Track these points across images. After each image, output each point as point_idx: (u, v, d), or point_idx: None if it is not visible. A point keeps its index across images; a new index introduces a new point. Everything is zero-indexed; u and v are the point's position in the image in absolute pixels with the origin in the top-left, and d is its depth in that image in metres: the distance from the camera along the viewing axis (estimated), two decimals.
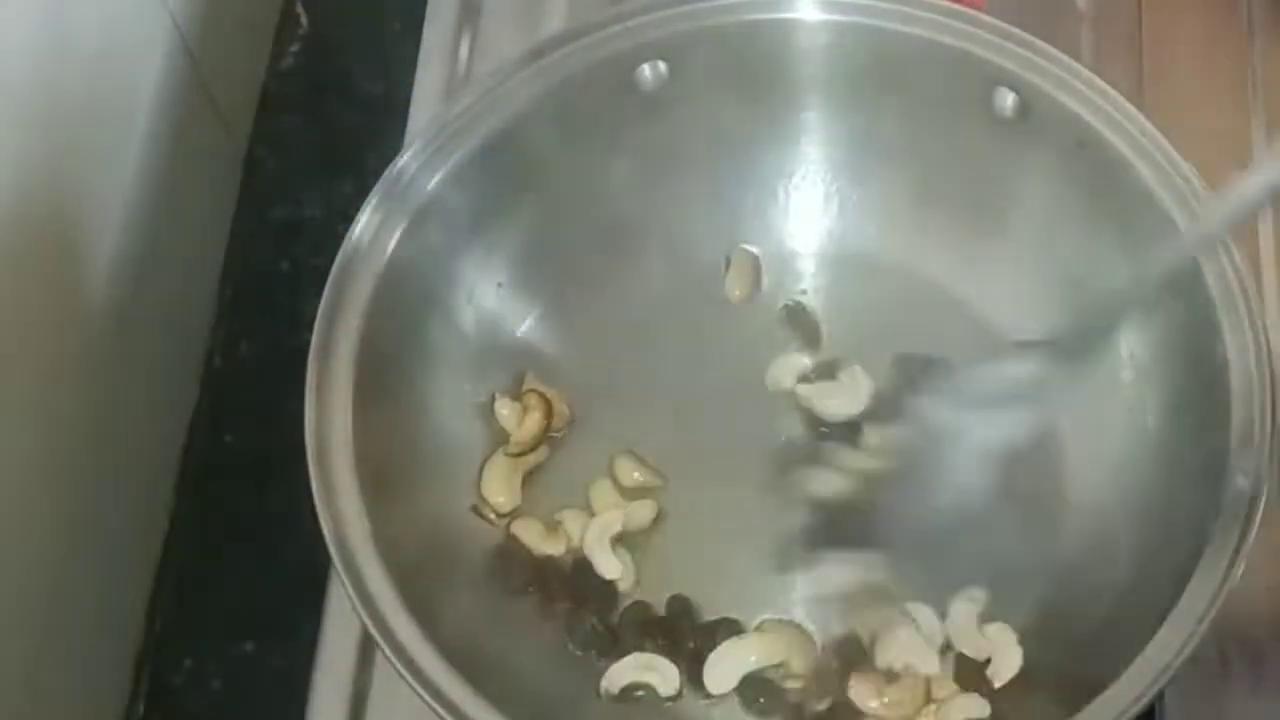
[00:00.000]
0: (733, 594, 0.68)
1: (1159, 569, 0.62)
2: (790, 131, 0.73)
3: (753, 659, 0.66)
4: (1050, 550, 0.68)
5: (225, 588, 0.74)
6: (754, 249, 0.74)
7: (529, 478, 0.70)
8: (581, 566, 0.68)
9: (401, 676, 0.58)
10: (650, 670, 0.66)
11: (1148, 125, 0.66)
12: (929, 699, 0.65)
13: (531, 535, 0.68)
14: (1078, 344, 0.63)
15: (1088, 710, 0.57)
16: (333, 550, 0.60)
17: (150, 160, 0.81)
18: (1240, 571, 0.59)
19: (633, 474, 0.70)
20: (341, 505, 0.61)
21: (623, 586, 0.68)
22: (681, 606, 0.68)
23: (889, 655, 0.66)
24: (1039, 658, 0.66)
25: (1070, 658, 0.65)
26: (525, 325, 0.72)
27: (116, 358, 0.77)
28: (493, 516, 0.69)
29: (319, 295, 0.65)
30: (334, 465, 0.62)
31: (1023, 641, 0.66)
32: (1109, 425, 0.69)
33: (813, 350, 0.72)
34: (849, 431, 0.71)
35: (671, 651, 0.66)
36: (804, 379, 0.72)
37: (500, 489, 0.69)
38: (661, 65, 0.70)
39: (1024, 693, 0.65)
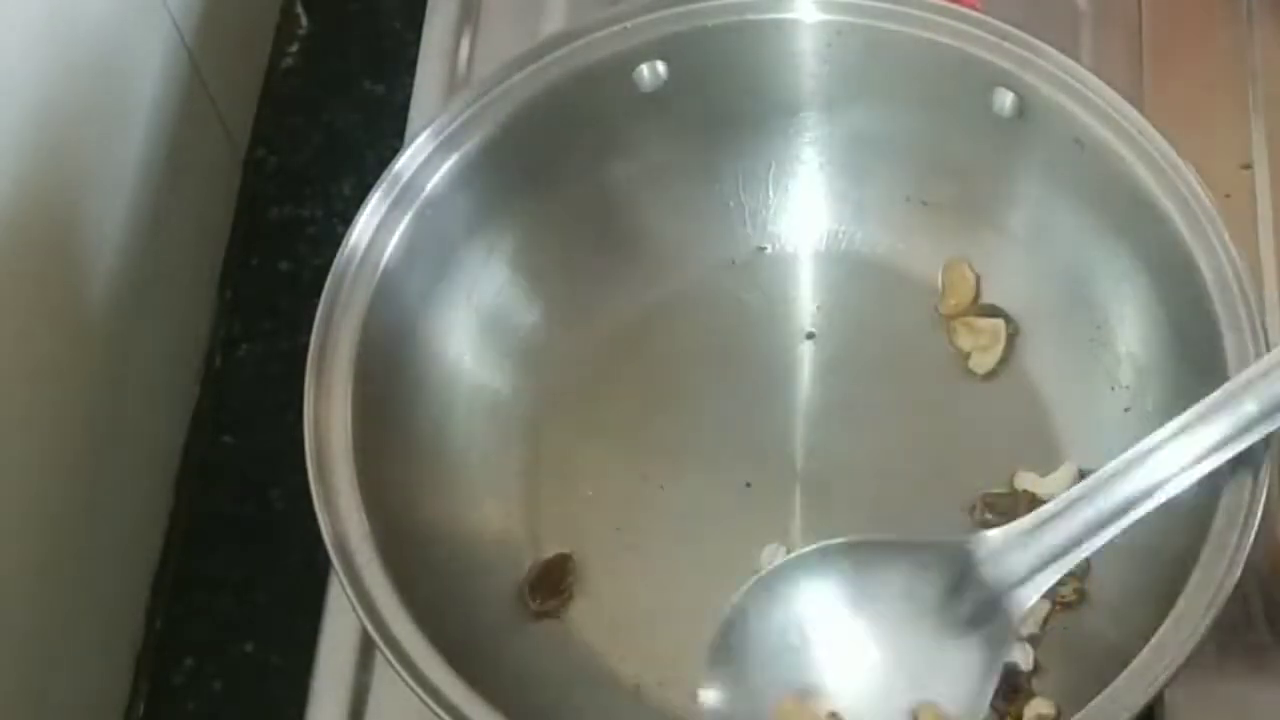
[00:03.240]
0: None
1: (1159, 569, 0.62)
2: (789, 132, 0.73)
3: None
4: None
5: (225, 588, 0.74)
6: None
7: None
8: None
9: (400, 677, 0.58)
10: None
11: (1147, 125, 0.66)
12: None
13: None
14: None
15: (1088, 710, 0.57)
16: (331, 551, 0.60)
17: (150, 160, 0.81)
18: (1240, 571, 0.58)
19: None
20: (341, 505, 0.61)
21: None
22: None
23: None
24: (1039, 658, 0.66)
25: (1070, 658, 0.65)
26: (524, 325, 0.72)
27: (116, 358, 0.77)
28: None
29: (319, 295, 0.65)
30: (334, 465, 0.62)
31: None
32: (1107, 425, 0.69)
33: None
34: None
35: None
36: None
37: None
38: (660, 65, 0.70)
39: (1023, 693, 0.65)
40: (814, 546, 0.65)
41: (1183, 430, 0.59)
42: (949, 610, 0.63)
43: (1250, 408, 0.58)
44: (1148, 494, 0.59)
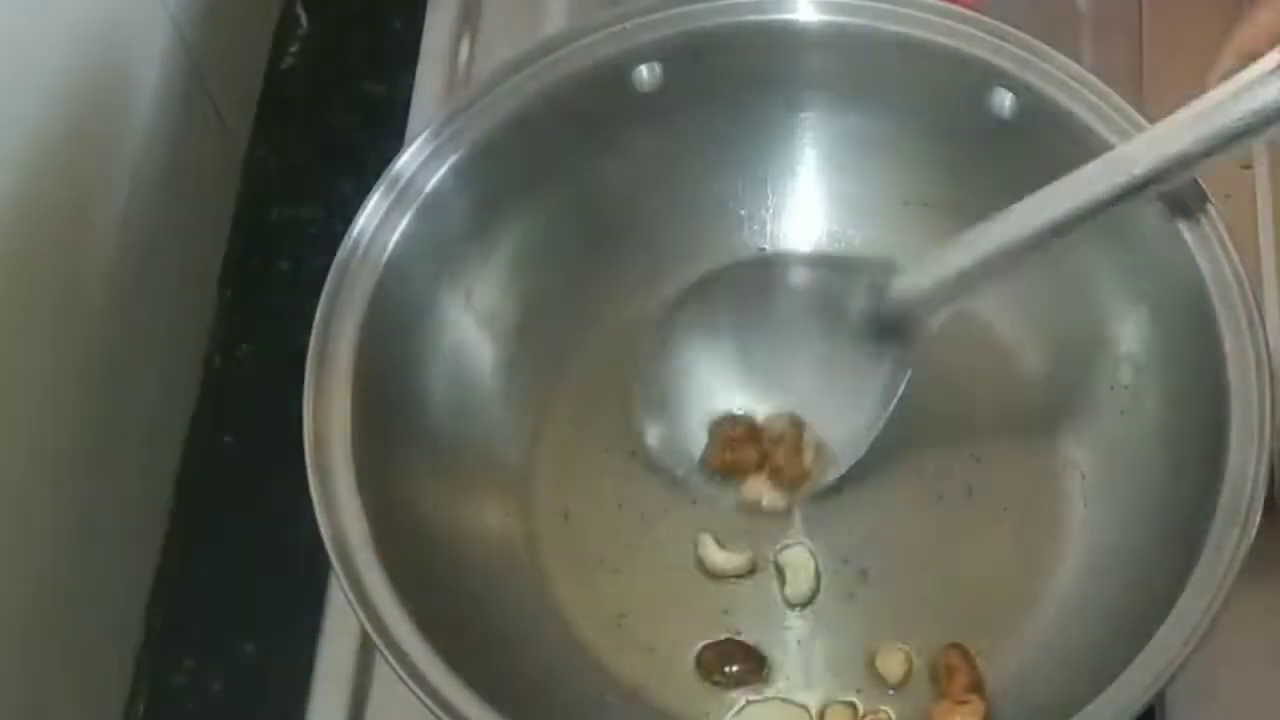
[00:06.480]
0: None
1: (1159, 569, 0.62)
2: (788, 132, 0.73)
3: None
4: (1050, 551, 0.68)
5: (225, 588, 0.74)
6: None
7: None
8: None
9: (400, 677, 0.58)
10: None
11: (1146, 126, 0.66)
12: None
13: None
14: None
15: (1088, 710, 0.57)
16: (331, 551, 0.60)
17: (150, 160, 0.81)
18: (1240, 571, 0.59)
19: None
20: (341, 506, 0.61)
21: None
22: None
23: None
24: (1040, 658, 0.66)
25: (1071, 658, 0.65)
26: (524, 325, 0.72)
27: (116, 357, 0.77)
28: None
29: (319, 295, 0.65)
30: (333, 466, 0.62)
31: (1024, 642, 0.66)
32: (1106, 425, 0.69)
33: None
34: None
35: None
36: None
37: None
38: (659, 66, 0.70)
39: (1025, 692, 0.65)
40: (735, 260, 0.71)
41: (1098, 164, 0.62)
42: (865, 324, 0.68)
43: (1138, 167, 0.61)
44: (1053, 228, 0.62)
